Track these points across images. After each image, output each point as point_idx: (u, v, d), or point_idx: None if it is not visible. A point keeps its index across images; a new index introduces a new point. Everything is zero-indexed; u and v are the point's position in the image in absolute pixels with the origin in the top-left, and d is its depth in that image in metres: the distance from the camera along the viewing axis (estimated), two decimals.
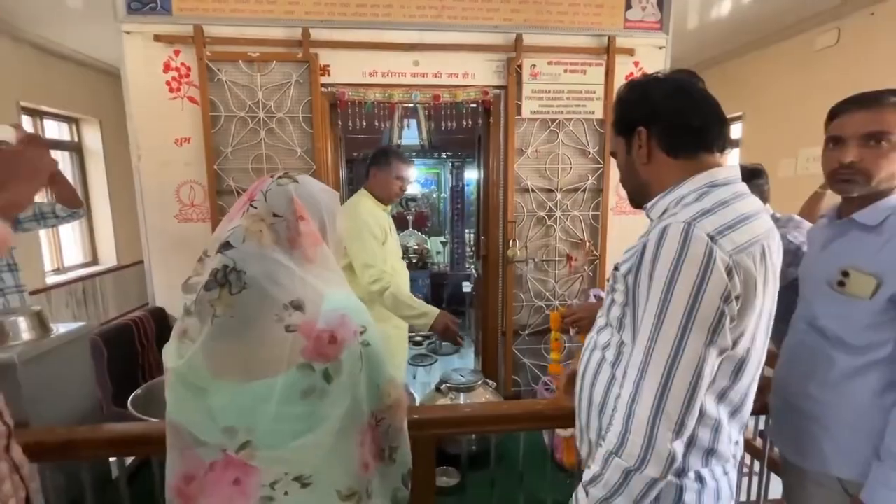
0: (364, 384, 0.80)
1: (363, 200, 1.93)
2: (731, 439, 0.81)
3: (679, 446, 0.70)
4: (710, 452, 0.77)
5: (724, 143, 0.81)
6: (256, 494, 0.75)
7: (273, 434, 0.75)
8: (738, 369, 0.76)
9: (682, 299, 0.68)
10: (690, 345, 0.68)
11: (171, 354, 0.79)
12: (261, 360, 0.74)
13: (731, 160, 4.31)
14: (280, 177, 0.83)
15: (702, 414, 0.75)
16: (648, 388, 0.70)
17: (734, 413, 0.79)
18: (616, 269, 0.83)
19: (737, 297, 0.69)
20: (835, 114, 1.02)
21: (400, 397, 0.86)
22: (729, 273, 0.68)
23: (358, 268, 1.79)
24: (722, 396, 0.76)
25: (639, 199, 0.87)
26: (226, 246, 0.76)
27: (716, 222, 0.70)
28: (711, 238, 0.68)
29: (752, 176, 1.73)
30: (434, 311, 1.76)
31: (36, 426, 1.17)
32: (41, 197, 2.00)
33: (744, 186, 0.79)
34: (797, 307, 1.12)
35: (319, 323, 0.75)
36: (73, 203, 1.94)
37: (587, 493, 0.77)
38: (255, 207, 0.79)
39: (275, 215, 0.79)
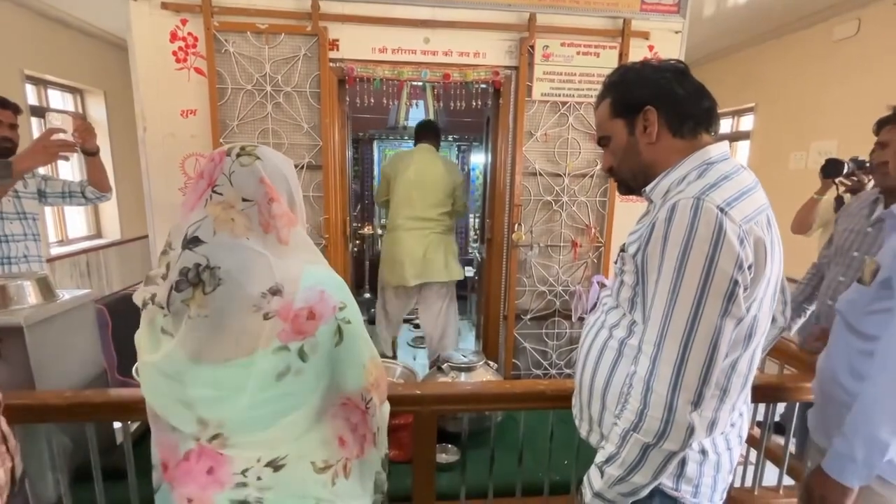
0: (345, 363, 0.79)
1: None
2: (736, 409, 0.81)
3: (697, 418, 0.70)
4: (713, 423, 0.78)
5: (719, 125, 0.85)
6: (231, 482, 0.74)
7: (249, 421, 0.74)
8: (749, 336, 0.76)
9: (696, 272, 0.68)
10: (706, 317, 0.69)
11: (145, 346, 0.76)
12: (238, 347, 0.71)
13: (741, 153, 4.26)
14: (239, 154, 0.75)
15: None
16: (666, 363, 0.70)
17: (743, 382, 0.80)
18: (623, 249, 0.83)
19: (749, 266, 0.70)
20: None
21: (380, 376, 0.85)
22: (741, 242, 0.68)
23: (462, 199, 2.69)
24: (734, 365, 0.77)
25: (638, 182, 0.86)
26: (195, 241, 0.71)
27: (723, 195, 0.71)
28: (721, 210, 0.69)
29: None
30: None
31: (42, 389, 1.18)
32: (73, 176, 2.10)
33: (736, 161, 0.81)
34: None
35: (297, 302, 0.72)
36: (103, 187, 2.06)
37: (602, 473, 0.77)
38: (220, 193, 0.73)
39: (244, 200, 0.73)
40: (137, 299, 0.75)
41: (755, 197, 0.74)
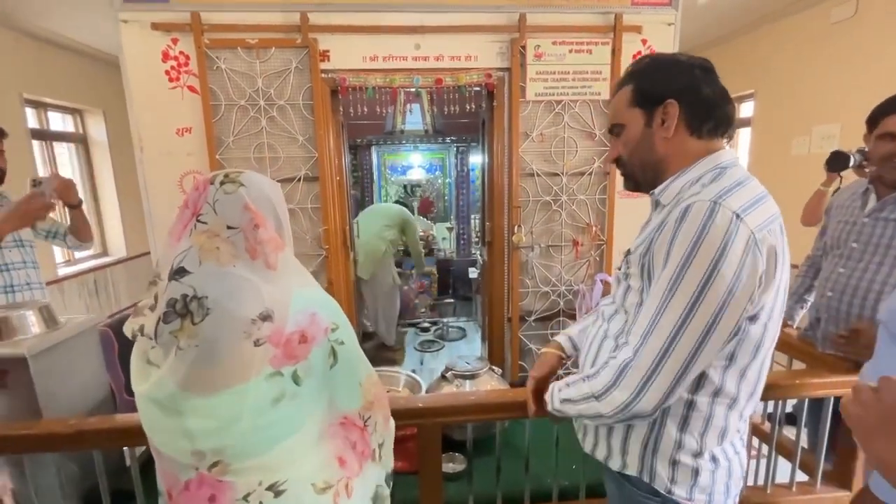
0: (341, 383, 0.78)
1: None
2: (743, 417, 0.81)
3: (671, 396, 0.72)
4: (724, 431, 0.78)
5: (734, 133, 0.83)
6: None
7: (249, 446, 0.73)
8: (758, 345, 0.75)
9: (698, 274, 0.68)
10: (695, 321, 0.68)
11: (137, 377, 0.76)
12: (230, 375, 0.71)
13: (742, 140, 4.21)
14: (222, 182, 0.75)
15: (719, 391, 0.75)
16: (647, 355, 0.72)
17: (751, 390, 0.79)
18: (629, 253, 0.81)
19: (760, 276, 0.69)
20: None
21: (379, 393, 0.85)
22: (751, 251, 0.67)
23: (415, 241, 3.87)
24: (742, 374, 0.76)
25: (647, 176, 0.83)
26: (181, 272, 0.71)
27: (739, 201, 0.69)
28: (737, 216, 0.67)
29: None
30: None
31: (48, 417, 1.19)
32: (61, 217, 2.18)
33: (745, 169, 0.79)
34: None
35: (288, 326, 0.72)
36: (84, 237, 2.09)
37: (568, 385, 0.84)
38: (205, 223, 0.73)
39: (229, 227, 0.73)
40: (127, 331, 0.76)
41: (768, 205, 0.73)
